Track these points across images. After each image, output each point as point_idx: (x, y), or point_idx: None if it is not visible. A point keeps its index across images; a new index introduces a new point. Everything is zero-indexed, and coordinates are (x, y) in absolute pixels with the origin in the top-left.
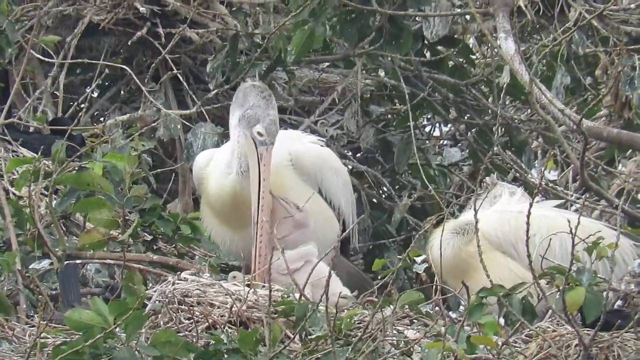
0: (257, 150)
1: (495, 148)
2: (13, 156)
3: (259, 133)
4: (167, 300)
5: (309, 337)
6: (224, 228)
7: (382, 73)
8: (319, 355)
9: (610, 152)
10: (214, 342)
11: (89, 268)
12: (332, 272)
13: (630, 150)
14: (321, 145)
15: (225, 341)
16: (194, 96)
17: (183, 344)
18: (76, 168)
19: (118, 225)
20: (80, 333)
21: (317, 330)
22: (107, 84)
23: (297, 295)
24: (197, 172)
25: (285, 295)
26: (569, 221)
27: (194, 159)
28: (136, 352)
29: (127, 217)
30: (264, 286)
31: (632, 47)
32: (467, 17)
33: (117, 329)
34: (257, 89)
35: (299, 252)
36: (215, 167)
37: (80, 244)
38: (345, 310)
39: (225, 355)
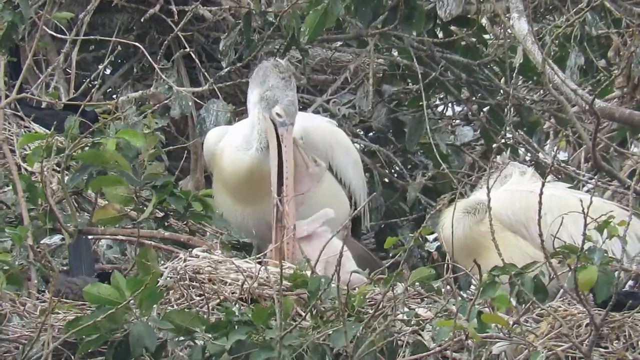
0: (277, 131)
1: (508, 128)
2: (25, 132)
3: (277, 114)
4: (178, 276)
5: (320, 313)
6: (236, 204)
7: (395, 52)
8: (330, 332)
9: (622, 133)
10: (225, 314)
11: (100, 244)
12: (346, 249)
13: None
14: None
15: (237, 314)
16: (206, 74)
17: (195, 316)
18: (89, 144)
19: (133, 202)
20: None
21: (329, 307)
22: (119, 61)
23: (311, 270)
24: (208, 148)
25: (297, 272)
26: (581, 200)
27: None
28: (151, 326)
29: (138, 195)
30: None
31: None
32: None
33: (132, 305)
34: (277, 69)
35: (316, 215)
36: (229, 143)
37: (95, 219)
38: (357, 288)
39: (237, 328)
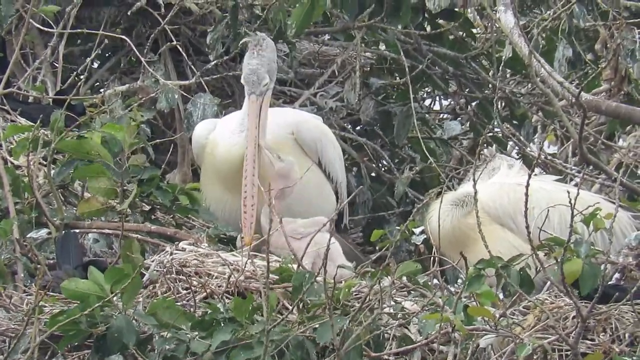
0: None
1: (495, 122)
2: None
3: (244, 84)
4: (164, 270)
5: (306, 306)
6: (226, 194)
7: (382, 46)
8: (316, 325)
9: (612, 127)
10: (210, 311)
11: (87, 238)
12: (336, 242)
13: (630, 126)
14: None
15: (222, 310)
16: (193, 67)
17: (181, 313)
18: (75, 137)
19: (117, 194)
20: (77, 302)
21: (315, 301)
22: (106, 54)
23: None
24: (198, 140)
25: (283, 265)
26: (568, 193)
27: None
28: (133, 321)
29: (125, 188)
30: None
31: (632, 20)
32: None
33: (115, 298)
34: (249, 42)
35: (311, 220)
36: (221, 131)
37: (79, 211)
38: (344, 282)
39: (222, 325)
